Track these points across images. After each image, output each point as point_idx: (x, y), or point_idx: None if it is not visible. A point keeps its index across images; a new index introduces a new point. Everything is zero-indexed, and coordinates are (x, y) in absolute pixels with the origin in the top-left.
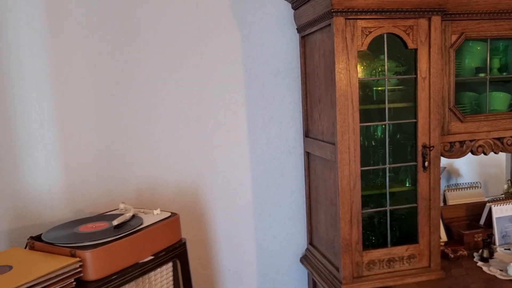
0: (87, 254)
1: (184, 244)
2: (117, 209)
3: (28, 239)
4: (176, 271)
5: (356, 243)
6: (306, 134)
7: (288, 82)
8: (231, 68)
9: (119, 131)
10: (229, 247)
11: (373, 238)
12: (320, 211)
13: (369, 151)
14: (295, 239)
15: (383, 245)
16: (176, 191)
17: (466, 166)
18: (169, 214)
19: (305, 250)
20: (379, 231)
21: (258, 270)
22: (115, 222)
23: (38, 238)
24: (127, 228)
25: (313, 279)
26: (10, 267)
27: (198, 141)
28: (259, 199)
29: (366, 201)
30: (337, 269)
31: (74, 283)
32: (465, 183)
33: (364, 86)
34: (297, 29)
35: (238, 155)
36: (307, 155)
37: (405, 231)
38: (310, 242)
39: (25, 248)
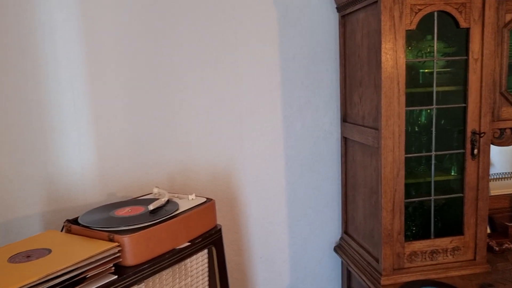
0: (126, 239)
1: (220, 230)
2: (151, 193)
3: (64, 222)
4: (212, 258)
5: (398, 233)
6: (344, 119)
7: (326, 64)
8: (267, 48)
9: (152, 114)
10: (261, 234)
11: (414, 228)
12: (357, 199)
13: (411, 138)
14: (329, 227)
15: (426, 236)
16: (208, 176)
17: (498, 155)
18: (204, 199)
19: (339, 239)
20: (420, 222)
21: (290, 258)
22: (151, 207)
23: (74, 221)
24: (163, 213)
25: (347, 269)
26: (49, 250)
27: (231, 125)
28: (292, 186)
29: (408, 189)
30: (377, 260)
31: (113, 268)
32: (509, 173)
33: (410, 68)
34: (336, 8)
35: (272, 140)
36: (344, 140)
37: (449, 222)
38: (345, 231)
39: (61, 231)
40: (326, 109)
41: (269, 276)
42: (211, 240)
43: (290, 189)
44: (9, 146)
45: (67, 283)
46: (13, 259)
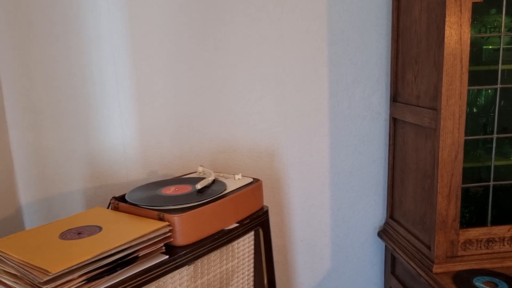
0: (176, 219)
1: (267, 212)
2: (195, 172)
3: (111, 199)
4: (258, 240)
5: (453, 220)
6: (394, 99)
7: (376, 40)
8: (314, 23)
9: (194, 91)
10: (303, 217)
11: (468, 215)
12: (407, 183)
13: (467, 119)
14: (373, 211)
15: (481, 223)
16: (250, 155)
17: None
18: (251, 179)
19: (384, 224)
20: (475, 208)
21: (332, 241)
22: (198, 186)
23: (121, 198)
24: (210, 192)
25: (392, 254)
26: (100, 228)
27: (276, 103)
28: (336, 168)
29: (464, 174)
30: (428, 247)
31: (164, 248)
32: None
33: (472, 45)
34: None
35: (317, 120)
36: (393, 121)
37: (506, 210)
38: (391, 216)
39: (108, 208)
40: (374, 88)
41: (310, 259)
42: (259, 222)
43: (333, 171)
44: (52, 121)
45: (119, 261)
46: (65, 235)
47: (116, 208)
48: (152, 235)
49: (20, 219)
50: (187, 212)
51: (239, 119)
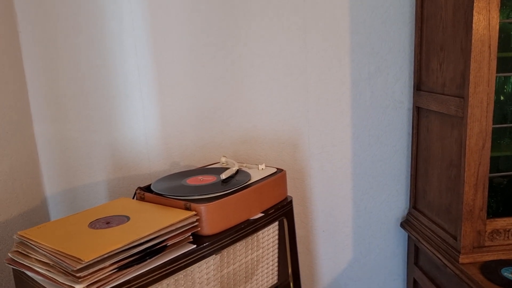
0: (202, 208)
1: (291, 202)
2: (218, 162)
3: (137, 190)
4: (283, 230)
5: (480, 210)
6: (418, 87)
7: (399, 28)
8: (337, 11)
9: (216, 81)
10: (325, 207)
11: (494, 205)
12: (431, 172)
13: (494, 107)
14: (395, 201)
15: (508, 213)
16: (272, 146)
17: None
18: (275, 170)
19: (407, 214)
20: (502, 198)
21: (354, 232)
22: (223, 176)
23: (146, 189)
24: (235, 183)
25: (415, 245)
26: (128, 218)
27: (298, 93)
28: (359, 158)
29: (491, 163)
30: (454, 237)
31: (191, 237)
32: None
33: (499, 30)
34: None
35: (339, 109)
36: (417, 110)
37: None
38: (414, 206)
39: (133, 198)
40: (397, 77)
41: (332, 249)
42: (283, 212)
43: (356, 161)
44: (76, 113)
45: (148, 250)
46: (94, 225)
47: (141, 198)
48: (180, 225)
49: (46, 210)
50: (214, 202)
51: (261, 109)
